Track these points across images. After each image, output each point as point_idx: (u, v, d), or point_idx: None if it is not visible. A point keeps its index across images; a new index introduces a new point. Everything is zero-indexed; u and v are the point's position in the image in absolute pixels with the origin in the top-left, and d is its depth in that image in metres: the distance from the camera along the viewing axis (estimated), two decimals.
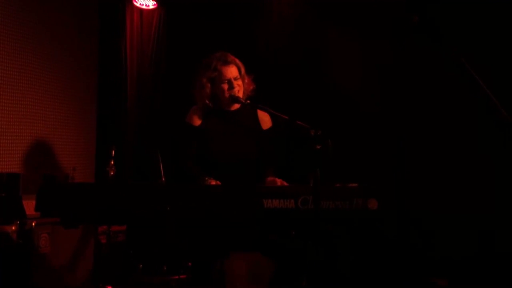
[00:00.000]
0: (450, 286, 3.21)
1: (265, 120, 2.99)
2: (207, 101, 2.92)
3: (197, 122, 2.93)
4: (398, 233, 3.34)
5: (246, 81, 2.93)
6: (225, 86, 2.85)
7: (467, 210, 3.19)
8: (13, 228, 2.84)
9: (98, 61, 4.38)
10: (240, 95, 2.89)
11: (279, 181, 2.70)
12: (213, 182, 2.68)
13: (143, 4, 4.46)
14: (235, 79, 2.86)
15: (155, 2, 4.47)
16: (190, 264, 2.82)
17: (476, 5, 3.22)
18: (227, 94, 2.86)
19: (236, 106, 2.94)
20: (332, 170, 2.22)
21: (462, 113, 3.26)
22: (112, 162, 3.31)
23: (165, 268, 2.82)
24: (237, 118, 2.95)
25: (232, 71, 2.86)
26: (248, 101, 2.89)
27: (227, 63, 2.86)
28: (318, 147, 2.14)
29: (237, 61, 2.90)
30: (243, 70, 2.92)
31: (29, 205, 2.94)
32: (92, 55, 4.34)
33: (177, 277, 2.77)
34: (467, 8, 3.26)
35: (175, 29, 4.53)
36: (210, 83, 2.88)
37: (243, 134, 2.93)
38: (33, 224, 2.90)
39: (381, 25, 3.64)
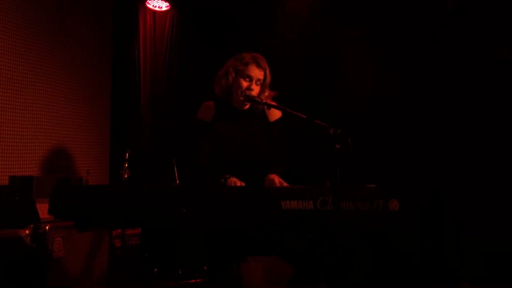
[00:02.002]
0: None
1: (273, 113, 2.93)
2: (221, 93, 2.87)
3: (208, 118, 2.89)
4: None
5: (265, 94, 2.88)
6: (244, 83, 2.80)
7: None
8: (27, 232, 2.81)
9: (112, 63, 4.37)
10: None
11: (277, 180, 2.63)
12: (234, 179, 2.61)
13: (156, 6, 4.45)
14: (257, 82, 2.81)
15: (168, 4, 4.45)
16: (205, 268, 2.77)
17: None
18: (240, 93, 2.80)
19: (248, 105, 2.88)
20: (351, 170, 2.15)
21: (494, 112, 3.14)
22: (126, 165, 3.29)
23: (180, 272, 2.78)
24: (247, 118, 2.89)
25: (258, 73, 2.82)
26: (263, 100, 2.83)
27: (258, 65, 2.83)
28: (338, 146, 2.07)
29: (268, 70, 2.87)
30: (268, 80, 2.88)
31: (43, 209, 2.91)
32: (106, 57, 4.33)
33: (193, 281, 2.72)
34: None
35: (189, 31, 4.50)
36: (235, 73, 2.84)
37: (253, 136, 2.87)
38: (47, 228, 2.87)
39: (404, 19, 3.55)
